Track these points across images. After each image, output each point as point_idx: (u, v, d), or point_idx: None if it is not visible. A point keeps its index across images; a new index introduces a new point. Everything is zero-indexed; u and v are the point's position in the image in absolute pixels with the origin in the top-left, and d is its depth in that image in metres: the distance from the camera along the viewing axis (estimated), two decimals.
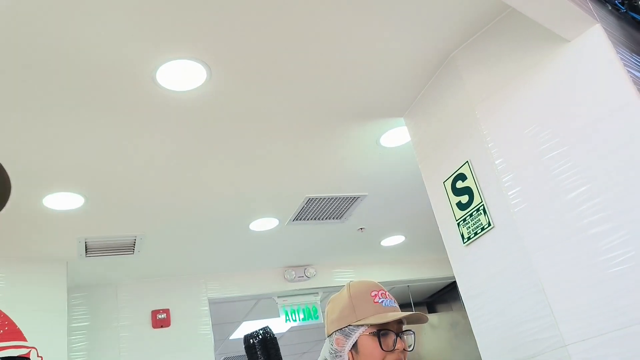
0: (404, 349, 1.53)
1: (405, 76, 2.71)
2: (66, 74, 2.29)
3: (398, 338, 1.52)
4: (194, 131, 2.86)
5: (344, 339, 1.53)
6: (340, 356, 1.53)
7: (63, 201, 3.29)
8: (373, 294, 1.58)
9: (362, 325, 1.51)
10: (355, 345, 1.52)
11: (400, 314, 1.54)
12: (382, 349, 1.49)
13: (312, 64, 2.50)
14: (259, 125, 2.92)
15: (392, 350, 1.50)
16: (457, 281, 2.60)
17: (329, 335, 1.58)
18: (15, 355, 3.32)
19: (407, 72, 2.69)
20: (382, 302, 1.56)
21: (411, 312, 1.56)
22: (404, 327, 1.57)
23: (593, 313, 1.94)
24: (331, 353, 1.55)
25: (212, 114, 2.74)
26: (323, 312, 5.30)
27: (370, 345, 1.50)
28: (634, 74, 2.02)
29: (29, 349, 3.67)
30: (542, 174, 2.17)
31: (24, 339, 3.69)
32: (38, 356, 3.68)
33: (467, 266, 2.52)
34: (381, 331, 1.50)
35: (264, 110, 2.79)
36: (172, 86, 2.47)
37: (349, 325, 1.53)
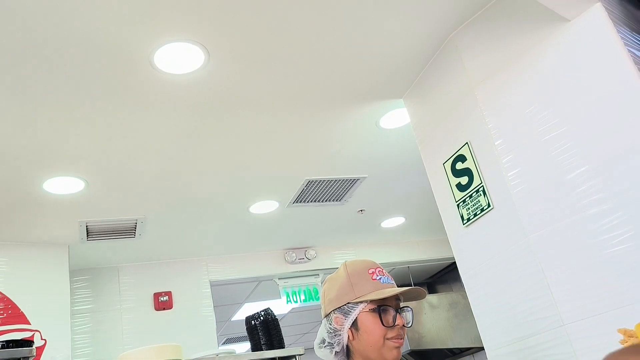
0: (403, 325, 1.55)
1: (404, 57, 2.70)
2: (65, 57, 2.28)
3: (397, 314, 1.53)
4: (193, 114, 2.85)
5: (343, 317, 1.52)
6: (340, 335, 1.53)
7: (63, 185, 3.30)
8: (370, 271, 1.58)
9: (361, 302, 1.51)
10: (355, 323, 1.51)
11: (400, 289, 1.55)
12: (383, 324, 1.49)
13: (311, 45, 2.49)
14: (258, 108, 2.91)
15: (392, 326, 1.51)
16: (456, 262, 2.62)
17: (327, 315, 1.57)
18: (19, 338, 3.35)
19: (406, 54, 2.67)
20: (379, 279, 1.57)
21: (410, 287, 1.57)
22: (402, 304, 1.59)
23: (591, 293, 1.96)
24: (330, 333, 1.54)
25: (211, 97, 2.73)
26: None
27: (370, 322, 1.50)
28: (635, 53, 2.00)
29: (33, 332, 3.71)
30: (541, 154, 2.17)
31: (28, 322, 3.73)
32: (42, 339, 3.72)
33: (467, 247, 2.53)
34: (381, 307, 1.51)
35: (262, 93, 2.78)
36: (170, 69, 2.46)
37: (348, 303, 1.53)
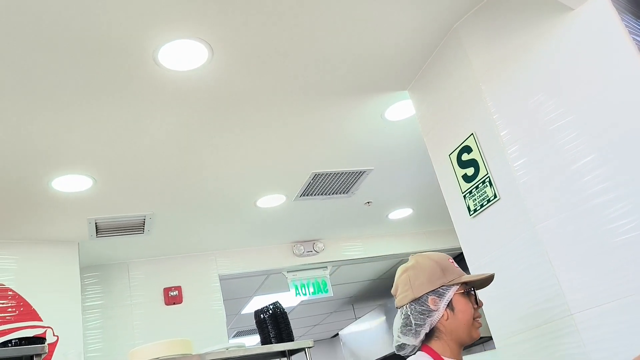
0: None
1: (408, 49, 2.69)
2: (72, 55, 2.29)
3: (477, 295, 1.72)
4: (198, 110, 2.86)
5: (438, 299, 1.65)
6: (433, 315, 1.64)
7: (72, 183, 3.32)
8: (450, 261, 1.74)
9: (454, 285, 1.67)
10: (450, 304, 1.65)
11: (490, 273, 1.77)
12: (476, 304, 1.68)
13: (315, 39, 2.49)
14: (263, 103, 2.92)
15: (478, 307, 1.70)
16: (464, 253, 2.62)
17: (417, 299, 1.66)
18: (31, 335, 3.39)
19: (410, 45, 2.66)
20: (457, 267, 1.74)
21: (491, 273, 1.77)
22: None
23: (598, 282, 1.96)
24: (422, 314, 1.65)
25: (216, 93, 2.74)
26: (332, 286, 5.36)
27: (463, 302, 1.66)
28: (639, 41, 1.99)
29: (45, 329, 3.75)
30: (547, 144, 2.16)
31: (40, 319, 3.77)
32: (54, 335, 3.76)
33: (474, 238, 2.54)
34: (471, 290, 1.70)
35: (267, 88, 2.79)
36: (175, 66, 2.46)
37: (442, 285, 1.66)
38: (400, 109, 3.22)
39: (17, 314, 3.71)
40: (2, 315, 3.66)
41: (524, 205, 2.22)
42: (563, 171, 2.10)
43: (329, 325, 8.62)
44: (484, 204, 2.42)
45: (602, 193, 1.98)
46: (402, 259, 5.78)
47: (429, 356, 1.64)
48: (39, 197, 3.41)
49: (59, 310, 3.87)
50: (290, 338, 3.05)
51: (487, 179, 2.40)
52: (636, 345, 1.80)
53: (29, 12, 2.03)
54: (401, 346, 1.70)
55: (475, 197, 2.48)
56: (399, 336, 1.70)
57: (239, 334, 7.84)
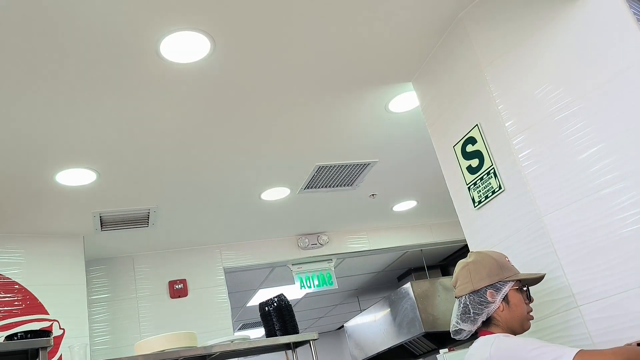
0: None
1: (412, 40, 2.67)
2: (75, 48, 2.29)
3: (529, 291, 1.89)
4: (201, 103, 2.85)
5: (495, 293, 1.82)
6: (490, 307, 1.82)
7: (76, 177, 3.32)
8: (507, 259, 1.92)
9: (510, 281, 1.84)
10: (505, 298, 1.82)
11: (542, 273, 1.96)
12: (529, 299, 1.87)
13: (318, 31, 2.47)
14: (265, 95, 2.90)
15: (530, 302, 1.88)
16: (468, 245, 2.61)
17: (476, 291, 1.84)
18: (38, 328, 3.40)
19: (414, 36, 2.64)
20: (513, 265, 1.91)
21: (543, 273, 1.96)
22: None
23: (605, 274, 1.94)
24: (480, 305, 1.83)
25: (219, 85, 2.73)
26: (337, 278, 5.36)
27: (518, 298, 1.84)
28: None
29: (51, 322, 3.77)
30: (553, 134, 2.14)
31: (46, 312, 3.79)
32: (60, 328, 3.78)
33: (479, 230, 2.52)
34: (525, 287, 1.88)
35: (269, 80, 2.77)
36: (177, 58, 2.45)
37: (500, 281, 1.83)
38: (405, 100, 3.20)
39: (24, 308, 3.72)
40: (9, 308, 3.67)
41: (529, 196, 2.20)
42: (570, 162, 2.08)
43: (334, 318, 8.63)
44: (489, 195, 2.41)
45: (609, 183, 1.95)
46: (407, 251, 5.78)
47: (491, 334, 1.81)
48: (44, 191, 3.41)
49: (65, 304, 3.88)
50: (295, 330, 3.05)
51: (492, 170, 2.38)
52: None
53: (32, 5, 2.02)
54: (458, 331, 1.89)
55: (480, 188, 2.46)
56: (457, 322, 1.89)
57: (245, 326, 7.87)
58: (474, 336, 1.89)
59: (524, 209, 2.23)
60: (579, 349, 1.56)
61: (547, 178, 2.15)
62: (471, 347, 1.84)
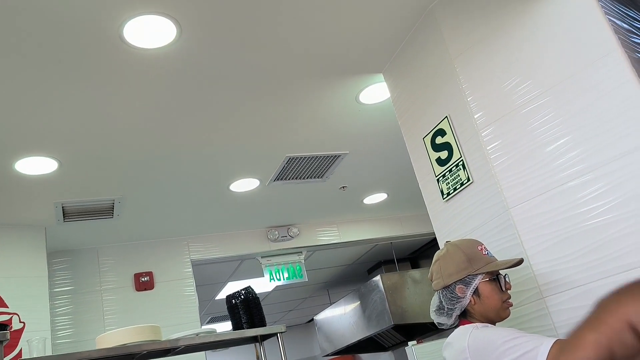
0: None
1: (383, 31, 2.64)
2: (33, 35, 2.19)
3: (505, 280, 1.85)
4: (166, 90, 2.78)
5: (465, 287, 1.80)
6: (462, 301, 1.80)
7: (36, 166, 3.21)
8: (479, 248, 1.87)
9: (479, 274, 1.81)
10: (476, 291, 1.80)
11: (511, 261, 1.86)
12: (503, 289, 1.83)
13: (287, 20, 2.42)
14: (234, 84, 2.84)
15: (505, 291, 1.83)
16: (436, 237, 2.60)
17: (447, 287, 1.83)
18: None
19: (385, 27, 2.61)
20: (487, 254, 1.86)
21: (518, 259, 1.88)
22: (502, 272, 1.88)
23: (570, 265, 1.95)
24: (452, 300, 1.81)
25: (185, 72, 2.66)
26: (307, 271, 5.34)
27: (489, 289, 1.81)
28: (616, 23, 1.97)
29: (11, 315, 3.65)
30: (521, 127, 2.14)
31: (5, 306, 3.67)
32: (20, 322, 3.66)
33: (447, 222, 2.51)
34: (497, 277, 1.83)
35: (238, 68, 2.71)
36: (141, 43, 2.38)
37: (468, 275, 1.80)
38: (375, 91, 3.17)
39: None
40: None
41: (497, 189, 2.20)
42: (537, 154, 2.08)
43: (304, 311, 8.62)
44: (457, 187, 2.40)
45: (575, 176, 1.96)
46: (377, 243, 5.79)
47: (470, 324, 1.80)
48: (3, 180, 3.29)
49: (25, 297, 3.77)
50: (262, 323, 3.00)
51: (461, 162, 2.37)
52: None
53: None
54: (438, 324, 1.89)
55: (449, 180, 2.45)
56: (434, 317, 1.89)
57: (214, 319, 7.79)
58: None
59: (492, 201, 2.23)
60: (555, 340, 1.44)
61: (514, 170, 2.15)
62: (450, 335, 1.83)
